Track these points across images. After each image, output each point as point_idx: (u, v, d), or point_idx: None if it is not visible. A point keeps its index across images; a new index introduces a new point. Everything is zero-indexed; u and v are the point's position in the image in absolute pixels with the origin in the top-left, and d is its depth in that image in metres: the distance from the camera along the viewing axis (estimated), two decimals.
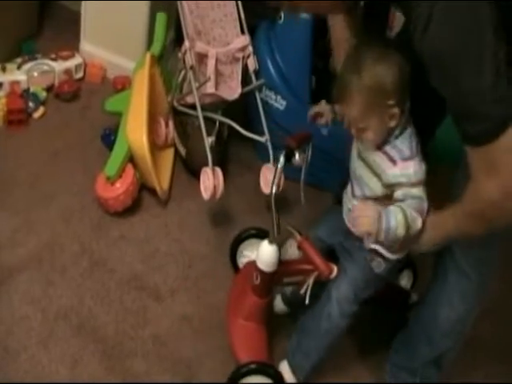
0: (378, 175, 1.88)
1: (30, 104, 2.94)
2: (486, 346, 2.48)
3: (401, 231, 1.80)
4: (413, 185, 1.83)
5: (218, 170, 2.60)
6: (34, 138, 2.88)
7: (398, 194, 1.84)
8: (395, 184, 1.84)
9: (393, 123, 1.81)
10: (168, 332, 2.33)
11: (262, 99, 2.83)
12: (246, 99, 2.88)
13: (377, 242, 1.88)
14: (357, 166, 1.96)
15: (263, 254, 2.09)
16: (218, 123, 2.81)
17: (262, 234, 2.41)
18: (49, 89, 3.07)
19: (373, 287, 2.08)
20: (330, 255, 2.12)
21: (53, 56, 3.11)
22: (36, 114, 2.96)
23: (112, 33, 3.15)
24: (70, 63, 3.13)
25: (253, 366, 2.12)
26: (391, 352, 2.29)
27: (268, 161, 2.71)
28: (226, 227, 2.68)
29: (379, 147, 1.87)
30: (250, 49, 2.84)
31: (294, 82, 2.87)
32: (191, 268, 2.49)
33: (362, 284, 2.03)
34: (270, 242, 2.08)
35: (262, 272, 2.11)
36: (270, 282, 2.14)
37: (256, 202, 2.72)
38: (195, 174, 2.70)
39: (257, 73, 2.85)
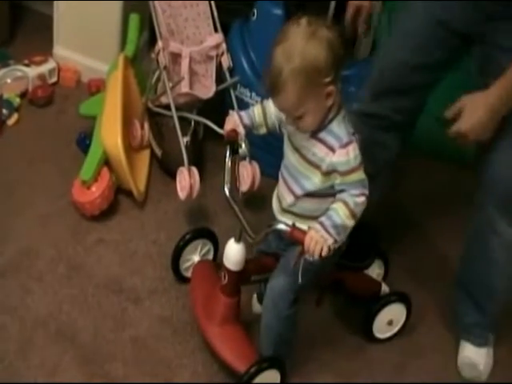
0: (315, 165, 1.87)
1: (4, 111, 2.92)
2: None
3: (349, 222, 1.83)
4: (353, 170, 1.83)
5: (194, 170, 2.60)
6: (8, 144, 2.86)
7: (339, 184, 1.85)
8: (334, 171, 1.84)
9: (330, 102, 1.79)
10: (147, 334, 2.31)
11: (236, 97, 2.83)
12: (221, 97, 2.86)
13: (335, 243, 1.85)
14: (292, 160, 1.94)
15: (230, 252, 2.08)
16: (193, 123, 2.81)
17: (198, 235, 2.42)
18: (22, 95, 3.04)
19: (308, 275, 1.98)
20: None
21: (26, 61, 3.09)
22: (10, 121, 2.93)
23: (85, 36, 3.13)
24: (44, 68, 3.11)
25: (252, 370, 2.07)
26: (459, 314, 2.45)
27: (244, 158, 2.69)
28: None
29: (314, 134, 1.85)
30: (224, 46, 2.84)
31: None
32: (169, 269, 2.46)
33: (295, 272, 1.94)
34: (236, 240, 2.06)
35: (229, 271, 2.10)
36: (238, 280, 2.12)
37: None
38: (171, 175, 2.70)
39: (231, 70, 2.85)
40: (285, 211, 2.01)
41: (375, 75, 2.33)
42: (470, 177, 2.63)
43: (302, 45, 1.71)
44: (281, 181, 2.02)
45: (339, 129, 1.83)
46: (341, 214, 1.81)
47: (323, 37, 1.72)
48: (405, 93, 2.27)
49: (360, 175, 1.84)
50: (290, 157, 1.95)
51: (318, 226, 1.82)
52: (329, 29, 1.75)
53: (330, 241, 1.81)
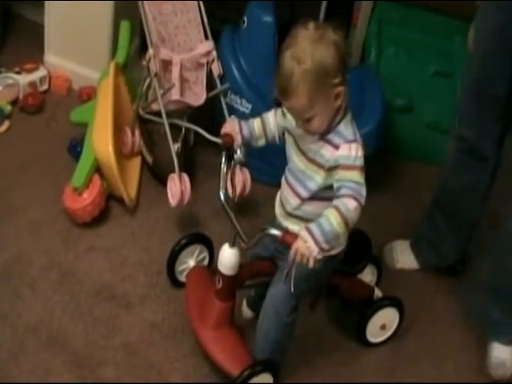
0: (321, 165, 1.88)
1: None
2: None
3: (340, 228, 1.81)
4: (352, 168, 1.83)
5: (185, 176, 2.60)
6: None
7: (336, 180, 1.85)
8: (336, 166, 1.85)
9: (338, 102, 1.82)
10: (138, 339, 2.32)
11: (227, 104, 2.84)
12: (212, 104, 2.88)
13: (323, 251, 1.83)
14: (298, 163, 1.95)
15: (224, 257, 2.09)
16: (184, 130, 2.82)
17: (194, 240, 2.44)
18: (13, 102, 3.04)
19: (309, 282, 2.06)
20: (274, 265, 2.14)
21: (17, 69, 3.09)
22: (1, 129, 2.93)
23: (76, 43, 3.14)
24: (35, 76, 3.11)
25: (245, 374, 2.08)
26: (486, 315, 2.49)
27: (240, 164, 2.70)
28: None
29: (322, 136, 1.87)
30: (214, 54, 2.84)
31: (258, 85, 2.88)
32: (160, 275, 2.48)
33: (297, 279, 1.97)
34: (231, 245, 2.07)
35: (223, 276, 2.10)
36: (232, 285, 2.13)
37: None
38: (162, 182, 2.71)
39: (221, 77, 2.85)
40: (289, 215, 2.02)
41: (462, 100, 2.47)
42: None
43: (311, 48, 1.75)
44: (285, 185, 2.02)
45: (346, 129, 1.87)
46: (332, 220, 1.79)
47: (331, 39, 1.77)
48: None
49: (357, 177, 1.83)
50: (295, 160, 1.96)
51: (306, 235, 1.80)
52: (335, 31, 1.79)
53: (316, 252, 1.79)
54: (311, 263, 1.80)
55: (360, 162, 1.84)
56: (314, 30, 1.78)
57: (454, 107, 2.57)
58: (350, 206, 1.80)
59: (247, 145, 2.07)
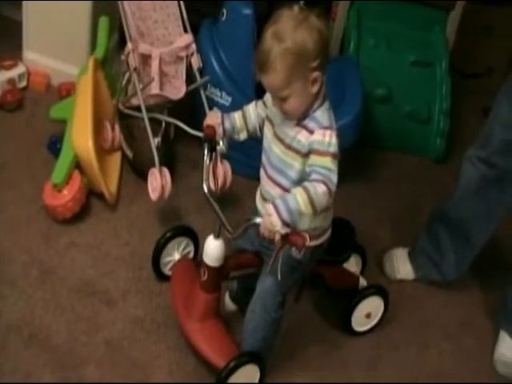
0: (298, 151, 1.88)
1: None
2: None
3: (305, 208, 1.81)
4: (325, 154, 1.83)
5: (166, 171, 2.60)
6: None
7: (309, 164, 1.85)
8: (309, 151, 1.85)
9: (315, 88, 1.83)
10: (121, 336, 2.30)
11: (207, 97, 2.83)
12: (192, 98, 2.87)
13: (287, 225, 1.82)
14: (277, 152, 1.94)
15: (209, 249, 2.08)
16: (164, 124, 2.81)
17: (179, 233, 2.44)
18: None
19: (295, 275, 2.08)
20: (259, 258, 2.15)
21: None
22: None
23: (55, 39, 3.11)
24: (13, 72, 3.08)
25: (232, 365, 2.09)
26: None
27: (223, 156, 2.68)
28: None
29: (299, 122, 1.87)
30: (194, 47, 2.84)
31: (238, 77, 2.87)
32: (142, 270, 2.47)
33: (283, 273, 2.00)
34: (215, 236, 2.07)
35: (208, 267, 2.10)
36: (218, 276, 2.13)
37: (205, 200, 2.70)
38: (143, 176, 2.69)
39: (201, 71, 2.85)
40: None
41: (490, 127, 2.41)
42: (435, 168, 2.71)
43: (293, 28, 1.77)
44: (264, 178, 2.02)
45: (322, 116, 1.87)
46: (298, 198, 1.80)
47: (313, 23, 1.79)
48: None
49: (329, 163, 1.83)
50: (274, 149, 1.95)
51: (270, 209, 1.81)
52: (318, 18, 1.81)
53: (278, 226, 1.80)
54: (276, 238, 1.80)
55: (333, 148, 1.84)
56: (299, 11, 1.80)
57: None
58: (319, 189, 1.81)
59: (229, 138, 2.07)
